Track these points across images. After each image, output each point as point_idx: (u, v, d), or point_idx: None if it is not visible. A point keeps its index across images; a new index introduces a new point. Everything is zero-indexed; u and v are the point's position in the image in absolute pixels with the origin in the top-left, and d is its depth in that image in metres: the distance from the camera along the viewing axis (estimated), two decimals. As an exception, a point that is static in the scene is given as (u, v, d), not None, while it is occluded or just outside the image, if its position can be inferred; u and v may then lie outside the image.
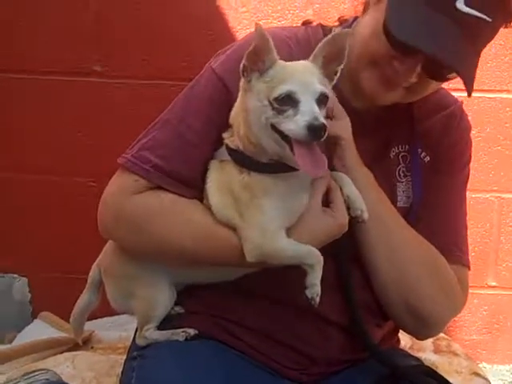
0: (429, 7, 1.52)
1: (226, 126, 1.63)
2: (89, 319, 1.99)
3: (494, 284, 3.20)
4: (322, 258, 1.51)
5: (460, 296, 1.81)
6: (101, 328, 2.80)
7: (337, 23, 1.85)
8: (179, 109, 1.72)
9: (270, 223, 1.53)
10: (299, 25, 1.93)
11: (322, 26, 1.83)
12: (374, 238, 1.70)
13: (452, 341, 2.94)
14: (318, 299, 1.50)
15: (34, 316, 3.11)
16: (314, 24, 1.86)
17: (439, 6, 1.51)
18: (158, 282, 1.73)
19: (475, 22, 1.51)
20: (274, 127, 1.46)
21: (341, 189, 1.61)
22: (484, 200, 3.07)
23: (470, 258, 1.86)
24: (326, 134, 1.41)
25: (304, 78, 1.46)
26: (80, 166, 3.08)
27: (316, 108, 1.42)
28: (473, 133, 1.93)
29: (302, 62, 1.54)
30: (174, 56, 2.97)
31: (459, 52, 1.53)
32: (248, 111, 1.51)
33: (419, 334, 1.88)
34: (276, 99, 1.43)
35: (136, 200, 1.67)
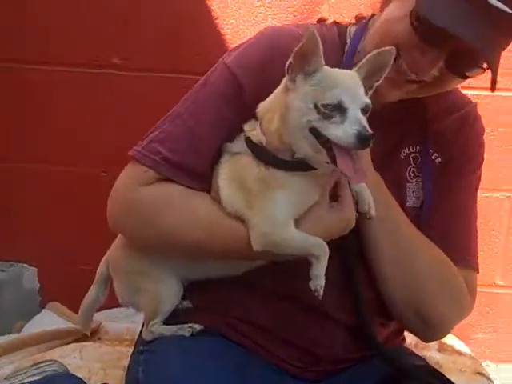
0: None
1: (237, 120, 1.64)
2: (97, 310, 2.00)
3: (501, 283, 3.19)
4: (328, 250, 1.52)
5: (468, 300, 1.81)
6: (108, 319, 2.81)
7: (353, 21, 1.84)
8: (191, 103, 1.72)
9: (279, 213, 1.54)
10: (314, 21, 1.92)
11: (337, 24, 1.83)
12: (382, 238, 1.70)
13: (457, 339, 2.94)
14: (321, 291, 1.50)
15: (43, 306, 3.14)
16: (329, 22, 1.85)
17: None
18: (166, 278, 1.74)
19: (505, 18, 1.49)
20: (313, 130, 1.46)
21: (349, 185, 1.61)
22: (494, 199, 3.05)
23: (478, 260, 1.85)
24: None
25: (352, 86, 1.47)
26: (92, 157, 3.09)
27: (363, 117, 1.43)
28: (486, 131, 1.92)
29: (348, 71, 1.54)
30: (189, 50, 2.97)
31: (491, 45, 1.51)
32: (288, 110, 1.50)
33: (425, 336, 1.88)
34: (324, 105, 1.43)
35: (145, 191, 1.68)
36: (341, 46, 1.76)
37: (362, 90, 1.49)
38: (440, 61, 1.57)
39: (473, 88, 1.95)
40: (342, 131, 1.41)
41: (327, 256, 1.51)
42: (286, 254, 1.55)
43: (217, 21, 2.97)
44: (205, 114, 1.68)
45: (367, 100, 1.48)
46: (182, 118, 1.70)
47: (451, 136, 1.82)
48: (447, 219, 1.80)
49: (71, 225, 3.15)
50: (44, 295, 3.23)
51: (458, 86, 1.75)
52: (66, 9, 2.98)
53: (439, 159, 1.81)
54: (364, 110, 1.46)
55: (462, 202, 1.84)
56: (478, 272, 1.85)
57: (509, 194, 3.10)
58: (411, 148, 1.81)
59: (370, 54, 1.52)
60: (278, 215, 1.54)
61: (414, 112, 1.78)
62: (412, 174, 1.81)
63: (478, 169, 1.89)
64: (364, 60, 1.53)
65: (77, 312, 2.02)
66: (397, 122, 1.78)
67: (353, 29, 1.79)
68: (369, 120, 1.56)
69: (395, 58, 1.53)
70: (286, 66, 1.49)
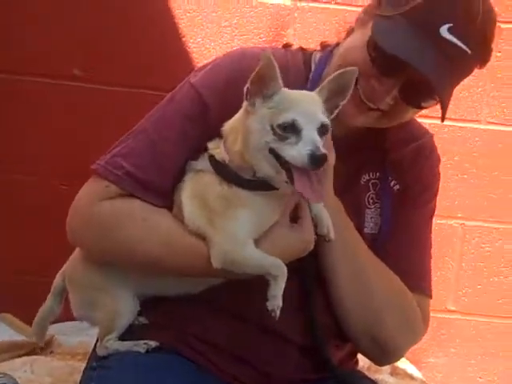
0: (413, 27, 1.55)
1: (201, 139, 1.65)
2: (50, 323, 1.97)
3: (453, 308, 3.26)
4: (286, 271, 1.52)
5: (421, 326, 1.84)
6: (62, 332, 2.77)
7: (318, 47, 1.87)
8: (156, 119, 1.73)
9: (239, 231, 1.55)
10: (280, 44, 1.95)
11: (303, 51, 1.85)
12: (339, 261, 1.72)
13: (409, 363, 2.98)
14: (278, 312, 1.50)
15: (-5, 317, 3.08)
16: (295, 48, 1.88)
17: (423, 28, 1.55)
18: (122, 293, 1.73)
19: (456, 52, 1.55)
20: (272, 151, 1.48)
21: (309, 207, 1.63)
22: (448, 226, 3.13)
23: (432, 287, 1.88)
24: (326, 164, 1.44)
25: (308, 107, 1.50)
26: (53, 168, 3.06)
27: (317, 137, 1.45)
28: (442, 160, 1.96)
29: (306, 92, 1.58)
30: (155, 67, 2.98)
31: (442, 77, 1.56)
32: (249, 132, 1.52)
33: (379, 360, 1.90)
34: (279, 126, 1.45)
35: (105, 205, 1.67)
36: (305, 73, 1.78)
37: (319, 111, 1.51)
38: (394, 90, 1.61)
39: (430, 117, 2.00)
40: (296, 152, 1.43)
41: (285, 277, 1.52)
42: (245, 272, 1.56)
43: (183, 39, 2.99)
44: (169, 131, 1.69)
45: (324, 120, 1.50)
46: (146, 134, 1.70)
47: (408, 165, 1.85)
48: (403, 246, 1.83)
49: (26, 236, 3.10)
50: (-4, 306, 3.17)
51: (416, 115, 1.79)
52: (29, 19, 2.96)
53: (397, 186, 1.84)
54: (321, 130, 1.48)
55: (417, 230, 1.87)
56: (431, 298, 1.89)
57: (462, 222, 3.18)
58: (371, 174, 1.84)
59: (332, 75, 1.55)
60: (238, 234, 1.55)
61: (374, 140, 1.81)
62: (371, 200, 1.83)
63: (433, 199, 1.92)
64: (326, 81, 1.55)
65: (29, 324, 1.99)
66: (359, 149, 1.81)
67: (318, 55, 1.81)
68: (334, 144, 1.60)
69: (356, 83, 1.57)
70: (245, 91, 1.51)
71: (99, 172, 1.69)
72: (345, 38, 1.76)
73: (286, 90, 1.52)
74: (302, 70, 1.79)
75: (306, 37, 2.96)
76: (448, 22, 1.53)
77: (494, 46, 1.64)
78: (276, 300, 1.51)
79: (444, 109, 1.60)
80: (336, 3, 2.99)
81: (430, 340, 3.23)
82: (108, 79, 3.00)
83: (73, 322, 2.55)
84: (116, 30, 2.98)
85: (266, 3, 2.98)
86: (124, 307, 1.74)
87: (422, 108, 1.68)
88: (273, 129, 1.47)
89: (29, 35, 2.96)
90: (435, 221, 1.96)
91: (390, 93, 1.62)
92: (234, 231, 1.55)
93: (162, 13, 2.98)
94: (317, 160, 1.41)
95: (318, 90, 1.56)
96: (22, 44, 2.96)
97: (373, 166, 1.84)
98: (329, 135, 1.57)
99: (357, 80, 1.57)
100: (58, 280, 1.87)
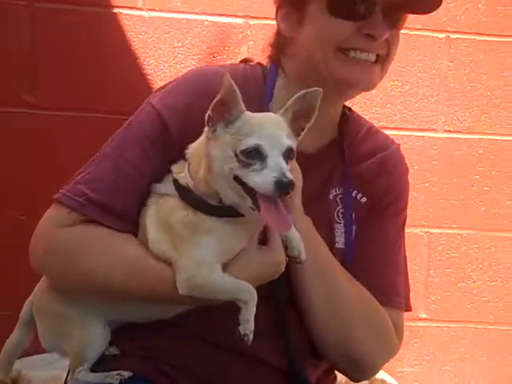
0: None
1: (163, 160, 1.64)
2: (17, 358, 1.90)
3: (424, 316, 3.28)
4: (255, 294, 1.50)
5: (395, 341, 1.82)
6: (30, 367, 2.68)
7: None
8: (117, 142, 1.71)
9: (205, 257, 1.51)
10: (235, 62, 1.95)
11: (261, 65, 1.86)
12: (311, 282, 1.70)
13: (386, 374, 2.97)
14: (251, 336, 1.47)
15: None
16: (253, 63, 1.88)
17: None
18: (92, 322, 1.68)
19: None
20: (237, 179, 1.44)
21: None
22: (414, 235, 3.16)
23: (408, 299, 1.88)
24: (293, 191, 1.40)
25: (271, 131, 1.45)
26: (9, 199, 3.00)
27: (284, 164, 1.41)
28: (402, 170, 1.96)
29: (270, 114, 1.54)
30: (108, 91, 2.96)
31: None
32: (211, 159, 1.49)
33: (354, 377, 1.87)
34: (243, 152, 1.41)
35: (67, 232, 1.64)
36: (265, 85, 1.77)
37: (284, 134, 1.47)
38: (380, 17, 1.62)
39: (388, 128, 2.01)
40: (262, 179, 1.39)
41: (255, 301, 1.49)
42: (213, 298, 1.53)
43: (137, 61, 2.98)
44: (130, 153, 1.66)
45: (290, 143, 1.46)
46: (108, 158, 1.68)
47: (373, 177, 1.84)
48: (372, 259, 1.81)
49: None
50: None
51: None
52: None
53: (364, 199, 1.83)
54: (286, 155, 1.44)
55: (387, 242, 1.85)
56: (408, 310, 1.88)
57: (427, 230, 3.22)
58: (337, 189, 1.82)
59: (296, 96, 1.52)
60: (204, 259, 1.51)
61: (336, 154, 1.81)
62: (340, 215, 1.81)
63: (403, 210, 1.91)
64: (290, 102, 1.52)
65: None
66: (323, 164, 1.80)
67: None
68: (297, 161, 1.57)
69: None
70: (206, 118, 1.48)
71: (60, 200, 1.66)
72: (290, 43, 1.76)
73: (248, 113, 1.48)
74: (261, 83, 1.78)
75: (260, 53, 2.95)
76: None
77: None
78: (248, 324, 1.47)
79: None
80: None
81: (403, 349, 3.19)
82: (63, 105, 2.96)
83: (41, 355, 2.51)
84: (65, 53, 2.95)
85: (217, 22, 3.00)
86: (94, 335, 1.69)
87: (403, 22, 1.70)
88: (236, 155, 1.43)
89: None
90: (401, 230, 1.96)
91: (380, 20, 1.62)
92: (200, 256, 1.51)
93: (112, 35, 2.97)
94: (283, 187, 1.38)
95: (282, 111, 1.52)
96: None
97: (337, 181, 1.82)
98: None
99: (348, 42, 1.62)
100: (25, 309, 1.81)
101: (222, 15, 3.00)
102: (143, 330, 1.71)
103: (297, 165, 1.61)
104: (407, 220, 1.94)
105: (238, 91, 1.44)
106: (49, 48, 2.94)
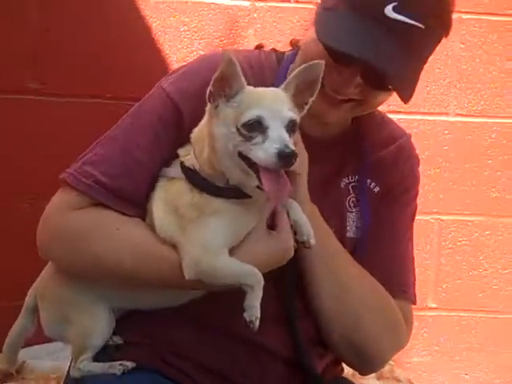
0: (356, 14, 1.51)
1: (175, 145, 1.61)
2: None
3: (434, 305, 3.25)
4: (262, 279, 1.46)
5: (404, 332, 1.80)
6: (32, 357, 2.68)
7: (289, 47, 1.83)
8: (126, 126, 1.68)
9: (212, 240, 1.49)
10: (240, 46, 1.91)
11: (275, 51, 1.82)
12: (319, 270, 1.67)
13: (395, 366, 2.95)
14: (257, 323, 1.44)
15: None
16: (267, 49, 1.84)
17: (367, 12, 1.51)
18: (96, 309, 1.66)
19: (407, 29, 1.50)
20: (241, 155, 1.42)
21: (288, 214, 1.57)
22: (424, 222, 3.13)
23: (415, 292, 1.85)
24: (296, 162, 1.37)
25: (273, 103, 1.43)
26: (13, 186, 2.96)
27: (286, 134, 1.39)
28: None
29: (271, 88, 1.52)
30: (117, 74, 2.92)
31: (393, 58, 1.50)
32: (214, 138, 1.46)
33: (362, 369, 1.85)
34: (244, 125, 1.40)
35: (75, 216, 1.62)
36: None
37: (286, 107, 1.45)
38: (356, 78, 1.56)
39: (398, 112, 1.95)
40: (263, 151, 1.37)
41: (261, 286, 1.46)
42: (219, 283, 1.50)
43: (142, 46, 2.95)
44: (141, 137, 1.63)
45: (292, 116, 1.44)
46: (117, 141, 1.65)
47: (388, 167, 1.82)
48: (382, 249, 1.79)
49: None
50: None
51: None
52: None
53: (377, 188, 1.80)
54: (289, 127, 1.42)
55: (398, 232, 1.84)
56: (415, 303, 1.85)
57: (438, 217, 3.17)
58: (350, 178, 1.80)
59: (297, 69, 1.50)
60: (210, 243, 1.48)
61: (352, 142, 1.78)
62: (352, 204, 1.79)
63: (414, 200, 1.89)
64: (291, 76, 1.50)
65: (-1, 351, 1.89)
66: (336, 152, 1.77)
67: (289, 54, 1.78)
68: (309, 148, 1.54)
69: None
70: (207, 94, 1.46)
71: (69, 181, 1.63)
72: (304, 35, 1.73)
73: (249, 87, 1.47)
74: (276, 69, 1.75)
75: (267, 37, 2.94)
76: (392, 1, 1.48)
77: (454, 7, 1.59)
78: (253, 310, 1.44)
79: (401, 90, 1.54)
80: (296, 1, 2.97)
81: (413, 339, 3.17)
82: (65, 91, 2.93)
83: (43, 345, 2.50)
84: (73, 39, 2.92)
85: (223, 5, 2.96)
86: (98, 324, 1.66)
87: (390, 90, 1.61)
88: (238, 130, 1.41)
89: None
90: (411, 217, 1.93)
91: (352, 81, 1.56)
92: (206, 240, 1.49)
93: (118, 20, 2.94)
94: (285, 158, 1.35)
95: (283, 85, 1.50)
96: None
97: (351, 169, 1.80)
98: (298, 136, 1.52)
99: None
100: (30, 297, 1.78)
101: (228, -2, 2.97)
102: (148, 318, 1.68)
103: (304, 150, 1.58)
104: (418, 207, 1.91)
105: (238, 65, 1.42)
106: (54, 35, 2.90)
